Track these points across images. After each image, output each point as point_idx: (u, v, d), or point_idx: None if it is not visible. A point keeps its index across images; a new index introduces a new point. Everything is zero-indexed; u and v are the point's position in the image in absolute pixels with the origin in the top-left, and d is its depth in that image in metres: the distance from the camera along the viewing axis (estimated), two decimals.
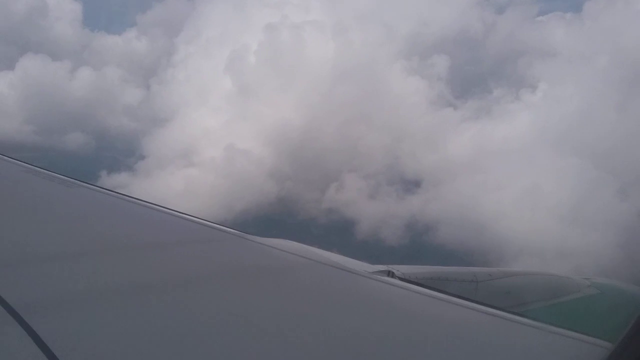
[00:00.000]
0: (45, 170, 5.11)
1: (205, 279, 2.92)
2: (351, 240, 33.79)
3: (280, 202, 40.36)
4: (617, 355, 1.42)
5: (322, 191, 41.28)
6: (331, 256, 3.53)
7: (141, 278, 2.83)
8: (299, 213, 39.32)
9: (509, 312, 2.90)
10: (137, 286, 2.66)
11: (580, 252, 29.28)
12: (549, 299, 3.90)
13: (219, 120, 50.09)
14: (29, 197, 4.45)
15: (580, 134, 40.49)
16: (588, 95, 43.06)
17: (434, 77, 49.06)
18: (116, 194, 4.73)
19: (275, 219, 36.45)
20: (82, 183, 4.88)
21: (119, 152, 48.58)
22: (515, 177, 39.28)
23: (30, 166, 5.23)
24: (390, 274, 3.39)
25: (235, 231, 3.90)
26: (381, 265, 3.46)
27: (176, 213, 4.25)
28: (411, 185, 41.80)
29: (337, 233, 34.99)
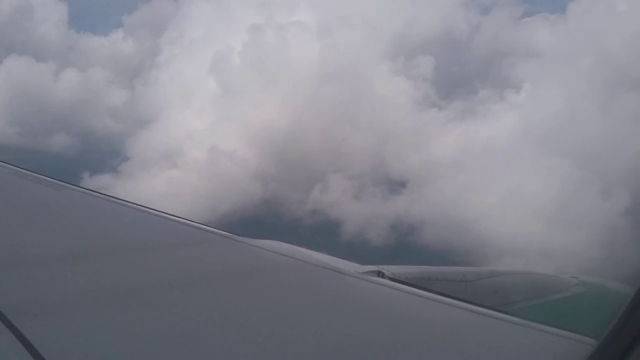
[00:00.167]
0: (31, 172, 5.08)
1: (195, 281, 2.92)
2: (337, 241, 33.79)
3: (265, 204, 40.24)
4: (601, 352, 1.45)
5: (307, 192, 41.22)
6: (321, 257, 3.55)
7: (131, 280, 2.82)
8: (284, 214, 39.23)
9: (497, 311, 2.94)
10: (127, 289, 2.66)
11: (563, 251, 29.51)
12: (537, 298, 3.96)
13: (203, 122, 49.89)
14: (14, 199, 4.41)
15: (563, 134, 40.89)
16: (571, 95, 43.55)
17: (419, 78, 49.24)
18: (103, 195, 4.71)
19: (260, 220, 36.31)
20: (68, 185, 4.85)
21: (104, 153, 48.24)
22: (500, 177, 39.58)
23: (16, 168, 5.18)
24: (380, 274, 3.41)
25: (225, 232, 3.91)
26: (371, 266, 3.48)
27: (164, 215, 4.25)
28: (396, 185, 41.88)
29: (323, 234, 34.95)
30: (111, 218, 4.26)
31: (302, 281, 3.26)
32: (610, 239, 29.30)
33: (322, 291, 3.16)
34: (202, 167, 44.43)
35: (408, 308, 2.99)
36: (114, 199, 4.62)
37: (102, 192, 4.81)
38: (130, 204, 4.47)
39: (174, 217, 4.21)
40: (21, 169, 5.14)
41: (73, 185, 4.88)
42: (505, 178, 39.15)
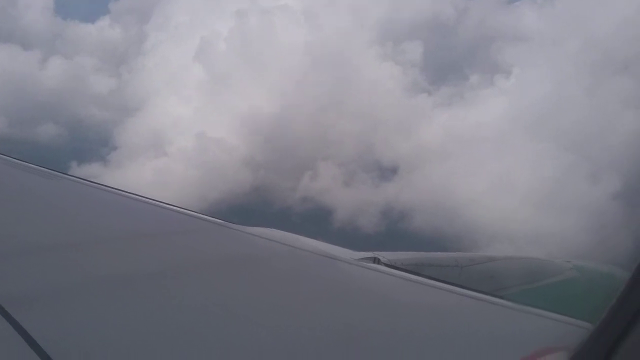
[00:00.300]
0: (21, 162, 5.06)
1: (190, 269, 2.93)
2: (328, 228, 33.81)
3: (255, 191, 40.14)
4: (597, 336, 1.44)
5: (297, 179, 41.11)
6: (316, 244, 3.57)
7: (126, 269, 2.82)
8: (274, 202, 39.17)
9: (492, 295, 2.96)
10: (122, 278, 2.66)
11: (553, 236, 29.63)
12: (532, 282, 4.00)
13: (190, 109, 49.54)
14: (5, 189, 4.41)
15: (552, 118, 40.96)
16: (560, 79, 43.52)
17: (407, 63, 49.05)
18: (95, 184, 4.70)
19: (250, 208, 36.21)
20: (60, 174, 4.85)
21: (92, 142, 47.83)
22: (490, 162, 39.63)
23: (5, 157, 5.14)
24: (376, 260, 3.41)
25: (219, 220, 3.91)
26: (367, 252, 3.48)
27: (157, 203, 4.25)
28: (387, 172, 41.86)
29: (314, 221, 34.94)
30: (104, 206, 4.25)
31: (298, 268, 3.27)
32: (599, 223, 29.45)
33: (318, 278, 3.17)
34: (191, 155, 44.22)
35: (404, 294, 3.02)
36: (105, 187, 4.60)
37: (94, 180, 4.81)
38: (123, 192, 4.44)
39: (167, 205, 4.21)
40: (11, 159, 5.12)
41: (63, 173, 4.88)
42: (495, 163, 39.24)
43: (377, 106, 48.04)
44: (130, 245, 3.27)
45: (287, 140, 46.46)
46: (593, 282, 4.35)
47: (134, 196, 4.37)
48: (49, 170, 4.87)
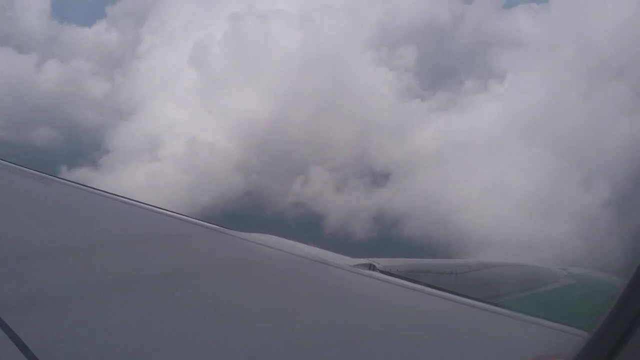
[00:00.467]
0: (16, 165, 5.07)
1: (185, 274, 2.94)
2: (320, 233, 33.69)
3: (247, 196, 40.00)
4: (593, 344, 1.44)
5: (290, 184, 41.01)
6: (312, 250, 3.58)
7: (121, 274, 2.82)
8: (266, 207, 39.04)
9: (488, 303, 2.97)
10: (116, 282, 2.66)
11: (545, 243, 29.68)
12: (527, 290, 4.01)
13: (184, 113, 49.42)
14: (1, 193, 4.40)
15: (546, 124, 41.05)
16: (554, 85, 43.67)
17: (402, 68, 49.07)
18: (90, 188, 4.69)
19: (243, 213, 36.08)
20: (53, 177, 4.85)
21: (86, 146, 47.60)
22: (483, 168, 39.67)
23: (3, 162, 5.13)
24: (371, 267, 3.42)
25: (214, 225, 3.91)
26: (362, 259, 3.49)
27: (155, 208, 4.24)
28: (379, 177, 41.81)
29: (306, 227, 34.83)
30: (99, 211, 4.24)
31: (294, 274, 3.28)
32: (591, 230, 29.52)
33: (314, 284, 3.18)
34: (183, 159, 44.07)
35: (399, 300, 3.03)
36: (102, 192, 4.58)
37: (88, 185, 4.78)
38: (118, 197, 4.43)
39: (163, 210, 4.20)
40: (6, 162, 5.10)
41: (57, 177, 4.87)
42: (488, 169, 39.30)
43: (370, 111, 48.09)
44: (127, 250, 3.26)
45: (280, 145, 46.42)
46: (588, 289, 4.36)
47: (130, 201, 4.36)
48: (43, 174, 4.86)
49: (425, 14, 53.76)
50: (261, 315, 2.50)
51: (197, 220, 4.05)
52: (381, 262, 3.48)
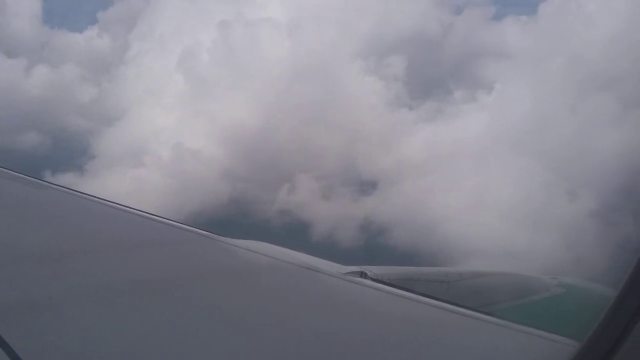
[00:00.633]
0: (3, 169, 5.07)
1: (176, 281, 2.93)
2: (307, 242, 33.59)
3: (234, 203, 39.85)
4: (584, 353, 1.47)
5: (276, 192, 40.89)
6: (303, 257, 3.58)
7: (111, 281, 2.81)
8: (253, 214, 38.88)
9: (479, 311, 2.97)
10: (107, 289, 2.65)
11: (529, 253, 29.81)
12: (518, 299, 4.02)
13: (171, 119, 49.18)
14: None
15: (533, 135, 41.30)
16: (541, 97, 44.02)
17: (391, 78, 49.10)
18: (80, 193, 4.66)
19: (229, 220, 35.92)
20: (44, 183, 4.86)
21: (74, 151, 47.22)
22: (469, 178, 39.79)
23: None
24: (363, 274, 3.43)
25: (205, 232, 3.92)
26: (354, 267, 3.50)
27: (146, 214, 4.24)
28: (366, 186, 41.78)
29: (293, 235, 34.74)
30: (87, 216, 4.23)
31: (285, 282, 3.28)
32: (577, 240, 29.68)
33: (305, 292, 3.19)
34: (169, 165, 43.85)
35: (391, 309, 3.03)
36: (88, 196, 4.58)
37: (81, 190, 4.75)
38: (107, 202, 4.42)
39: (151, 216, 4.20)
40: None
41: (49, 183, 4.86)
42: (475, 179, 39.44)
43: (358, 120, 48.13)
44: (115, 256, 3.24)
45: (267, 153, 46.32)
46: (579, 299, 4.37)
47: (120, 206, 4.35)
48: (31, 178, 4.86)
49: (415, 24, 53.96)
50: (253, 322, 2.50)
51: (187, 226, 4.04)
52: (373, 270, 3.48)
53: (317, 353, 2.30)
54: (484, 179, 38.88)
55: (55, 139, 48.99)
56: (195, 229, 4.00)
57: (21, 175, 4.91)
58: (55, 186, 4.87)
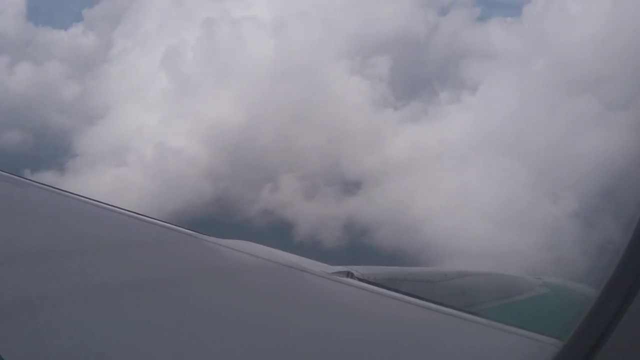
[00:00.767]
0: None
1: (161, 281, 2.93)
2: (290, 241, 33.55)
3: (216, 203, 39.67)
4: (566, 352, 1.50)
5: (260, 192, 40.76)
6: (289, 257, 3.59)
7: (97, 281, 2.79)
8: (236, 214, 38.73)
9: (464, 311, 3.02)
10: (91, 290, 2.64)
11: (511, 253, 30.04)
12: (503, 298, 4.07)
13: (154, 118, 48.84)
14: None
15: (516, 136, 41.60)
16: (525, 98, 44.32)
17: (376, 78, 49.07)
18: (63, 191, 4.63)
19: (211, 219, 35.73)
20: (26, 180, 4.84)
21: (56, 149, 46.76)
22: (453, 178, 39.99)
23: None
24: (349, 274, 3.44)
25: (192, 232, 3.91)
26: (340, 266, 3.52)
27: (128, 212, 4.22)
28: (350, 186, 41.77)
29: (276, 234, 34.67)
30: (71, 214, 4.22)
31: (271, 282, 3.30)
32: (558, 241, 29.95)
33: (291, 292, 3.22)
34: (151, 164, 43.56)
35: (377, 309, 3.06)
36: (72, 195, 4.53)
37: (62, 188, 4.73)
38: (91, 201, 4.39)
39: (135, 214, 4.19)
40: None
41: (31, 181, 4.86)
42: (458, 179, 39.65)
43: (343, 120, 48.13)
44: (106, 256, 3.23)
45: (251, 152, 46.16)
46: (562, 298, 4.43)
47: (101, 205, 4.32)
48: (12, 176, 4.81)
49: (400, 25, 53.98)
50: (239, 322, 2.51)
51: (172, 225, 4.03)
52: (359, 269, 3.50)
53: (304, 353, 2.31)
54: (467, 180, 39.13)
55: (38, 137, 48.53)
56: (181, 228, 3.99)
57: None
58: (36, 183, 4.85)
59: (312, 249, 33.23)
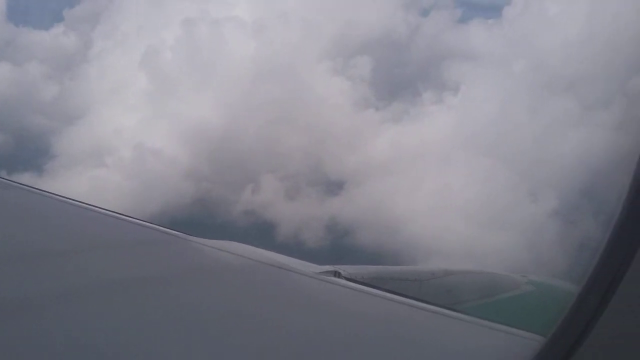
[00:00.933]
0: None
1: (149, 282, 2.88)
2: (272, 242, 33.50)
3: (197, 204, 39.49)
4: (548, 348, 1.52)
5: (241, 193, 40.64)
6: (276, 257, 3.58)
7: (87, 282, 2.74)
8: (217, 215, 38.60)
9: (450, 309, 3.03)
10: (75, 292, 2.58)
11: (492, 253, 30.28)
12: (489, 296, 4.13)
13: (133, 119, 48.47)
14: None
15: (497, 136, 41.94)
16: (505, 98, 44.68)
17: (358, 79, 49.23)
18: (45, 192, 4.53)
19: (192, 221, 35.55)
20: (4, 181, 4.76)
21: (35, 151, 46.29)
22: (435, 178, 40.19)
23: None
24: (336, 274, 3.46)
25: (178, 232, 3.86)
26: (327, 266, 3.54)
27: (110, 213, 4.16)
28: (332, 186, 41.83)
29: (258, 235, 34.61)
30: (53, 215, 4.13)
31: (259, 282, 3.27)
32: (538, 240, 30.22)
33: (278, 291, 3.19)
34: (131, 165, 43.22)
35: (364, 308, 3.06)
36: (52, 195, 4.43)
37: (45, 189, 4.60)
38: (72, 201, 4.30)
39: (123, 216, 4.12)
40: None
41: (11, 181, 4.76)
42: (439, 179, 39.86)
43: (325, 121, 48.16)
44: (90, 257, 3.16)
45: (232, 152, 46.01)
46: (547, 296, 4.47)
47: (84, 205, 4.23)
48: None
49: (382, 26, 54.13)
50: (225, 323, 2.50)
51: (157, 226, 3.99)
52: (346, 269, 3.52)
53: (293, 353, 2.30)
54: (448, 180, 39.34)
55: (17, 138, 48.01)
56: (166, 229, 3.95)
57: None
58: (15, 183, 4.77)
59: (295, 249, 33.22)
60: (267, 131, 46.11)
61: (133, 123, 47.44)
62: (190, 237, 3.75)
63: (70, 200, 4.35)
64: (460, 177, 39.58)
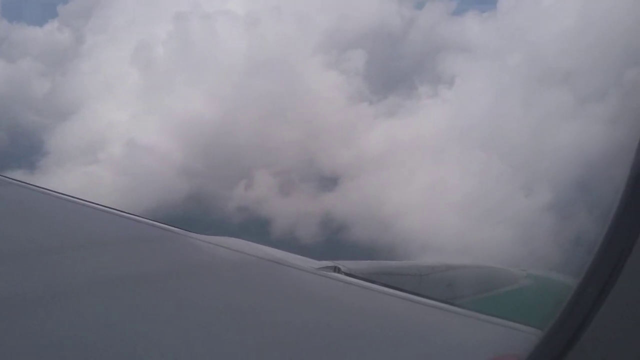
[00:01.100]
0: None
1: (147, 278, 2.90)
2: (266, 238, 33.48)
3: (191, 200, 39.39)
4: (546, 342, 1.53)
5: (235, 188, 40.59)
6: (276, 252, 3.60)
7: (84, 279, 2.74)
8: (211, 211, 38.51)
9: (449, 303, 3.06)
10: (81, 288, 2.59)
11: (487, 247, 30.34)
12: (488, 290, 4.15)
13: (126, 114, 48.31)
14: None
15: (491, 129, 41.96)
16: (500, 91, 44.69)
17: (352, 72, 49.06)
18: (40, 188, 4.55)
19: (186, 217, 35.44)
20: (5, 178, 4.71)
21: (28, 147, 46.11)
22: (430, 172, 40.21)
23: None
24: (336, 269, 3.46)
25: (177, 229, 3.88)
26: (327, 261, 3.55)
27: (107, 209, 4.17)
28: (326, 182, 41.80)
29: (252, 231, 34.55)
30: (48, 212, 4.12)
31: (258, 277, 3.28)
32: (532, 234, 30.31)
33: (278, 287, 3.20)
34: (124, 161, 43.03)
35: (364, 303, 3.07)
36: (48, 191, 4.45)
37: (43, 186, 4.62)
38: (68, 197, 4.32)
39: (122, 213, 4.13)
40: None
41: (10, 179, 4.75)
42: (435, 173, 39.89)
43: (319, 115, 48.05)
44: (87, 253, 3.16)
45: (225, 148, 45.87)
46: (547, 290, 4.52)
47: (82, 202, 4.24)
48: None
49: (376, 19, 53.97)
50: (222, 320, 2.49)
51: (154, 222, 3.99)
52: (346, 264, 3.52)
53: (295, 348, 2.30)
54: (443, 174, 39.38)
55: (10, 135, 47.80)
56: (164, 225, 3.95)
57: None
58: (8, 179, 4.78)
59: (289, 245, 33.18)
60: (260, 126, 46.00)
61: (126, 118, 47.25)
62: (189, 233, 3.75)
63: (65, 196, 4.34)
64: (455, 171, 39.61)
